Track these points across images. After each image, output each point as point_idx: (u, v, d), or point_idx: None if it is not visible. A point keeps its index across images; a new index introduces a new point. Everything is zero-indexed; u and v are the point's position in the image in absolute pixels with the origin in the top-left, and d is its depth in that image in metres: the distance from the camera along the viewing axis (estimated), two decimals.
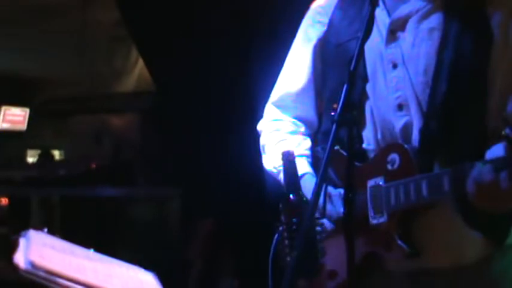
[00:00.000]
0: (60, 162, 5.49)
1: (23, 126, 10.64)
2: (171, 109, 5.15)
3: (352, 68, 1.75)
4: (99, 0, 5.95)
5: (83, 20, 6.14)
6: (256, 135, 2.32)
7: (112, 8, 5.65)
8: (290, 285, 1.58)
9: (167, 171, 5.10)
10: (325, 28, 2.06)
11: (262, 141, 2.18)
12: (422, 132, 1.85)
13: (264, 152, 2.17)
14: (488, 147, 1.79)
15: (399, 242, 1.81)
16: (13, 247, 2.11)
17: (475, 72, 1.86)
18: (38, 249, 1.99)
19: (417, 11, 1.89)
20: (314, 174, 2.02)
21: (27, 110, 10.48)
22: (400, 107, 1.87)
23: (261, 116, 2.29)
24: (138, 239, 4.75)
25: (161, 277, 1.95)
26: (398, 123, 1.87)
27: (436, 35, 1.85)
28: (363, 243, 1.83)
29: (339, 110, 1.72)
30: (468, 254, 1.87)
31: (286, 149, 1.95)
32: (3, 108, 10.46)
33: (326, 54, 2.06)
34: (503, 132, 1.76)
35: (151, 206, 5.16)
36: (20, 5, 6.22)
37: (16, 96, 10.51)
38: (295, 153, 1.94)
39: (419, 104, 1.86)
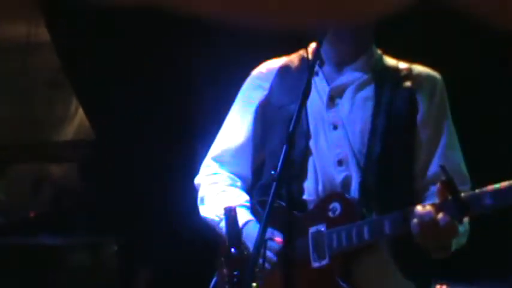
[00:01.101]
0: None
1: None
2: (110, 159, 5.20)
3: (291, 129, 1.94)
4: (41, 45, 5.96)
5: (24, 65, 6.14)
6: (193, 188, 2.44)
7: (53, 55, 5.68)
8: None
9: (105, 219, 5.13)
10: (266, 92, 2.30)
11: (202, 192, 2.36)
12: (362, 185, 2.12)
13: (203, 203, 2.34)
14: (419, 200, 2.13)
15: (341, 282, 2.00)
16: None
17: (403, 137, 2.19)
18: None
19: (353, 82, 2.22)
20: (256, 221, 2.18)
21: None
22: (340, 162, 2.16)
23: (198, 168, 2.44)
24: (77, 286, 4.75)
25: None
26: (339, 176, 2.15)
27: (370, 104, 2.19)
28: (305, 287, 1.99)
29: (279, 168, 1.89)
30: None
31: (227, 204, 2.11)
32: None
33: (267, 115, 2.28)
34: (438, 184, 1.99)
35: (90, 254, 5.16)
36: None
37: None
38: (236, 204, 2.12)
39: (357, 160, 2.15)
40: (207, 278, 2.42)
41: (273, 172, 1.92)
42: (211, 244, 2.39)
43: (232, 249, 2.00)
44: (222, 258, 2.06)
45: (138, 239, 4.87)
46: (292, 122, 1.96)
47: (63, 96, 6.05)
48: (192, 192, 2.96)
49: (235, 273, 1.97)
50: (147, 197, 4.90)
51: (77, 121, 5.85)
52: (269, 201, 1.87)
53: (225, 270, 2.01)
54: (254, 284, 2.00)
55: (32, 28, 5.85)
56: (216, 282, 2.26)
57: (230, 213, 2.01)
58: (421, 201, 2.09)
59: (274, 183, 1.89)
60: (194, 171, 4.15)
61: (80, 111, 5.69)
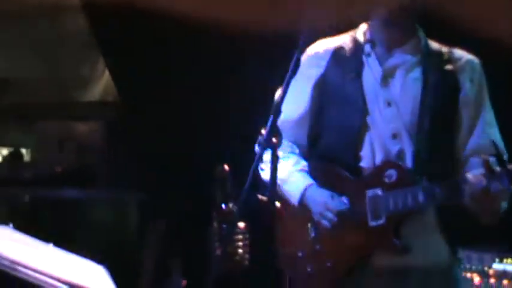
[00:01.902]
0: (26, 164, 5.72)
1: None
2: (133, 120, 5.42)
3: (279, 100, 2.16)
4: (70, 7, 6.14)
5: (53, 26, 6.34)
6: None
7: (82, 16, 5.88)
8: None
9: (126, 176, 5.39)
10: (322, 70, 2.55)
11: (264, 158, 2.59)
12: (415, 156, 2.38)
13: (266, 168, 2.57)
14: (459, 173, 2.39)
15: (395, 239, 2.31)
16: None
17: (448, 115, 2.46)
18: (4, 242, 2.31)
19: (403, 63, 2.47)
20: (316, 184, 2.46)
21: None
22: (394, 136, 2.41)
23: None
24: (97, 238, 5.02)
25: (114, 274, 2.27)
26: (394, 148, 2.41)
27: (419, 84, 2.44)
28: (361, 243, 2.37)
29: (265, 136, 2.13)
30: (439, 258, 2.38)
31: (287, 169, 2.49)
32: None
33: (323, 91, 2.54)
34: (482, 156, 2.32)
35: (111, 208, 5.45)
36: None
37: None
38: (297, 169, 2.46)
39: (409, 135, 2.40)
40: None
41: (260, 138, 2.14)
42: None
43: (223, 205, 2.25)
44: (214, 213, 2.30)
45: (155, 194, 5.10)
46: (281, 94, 2.18)
47: (91, 58, 6.26)
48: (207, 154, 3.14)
49: (223, 226, 2.23)
50: (165, 156, 5.11)
51: (103, 83, 6.08)
52: (254, 163, 2.11)
53: (215, 224, 2.27)
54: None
55: None
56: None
57: (222, 174, 2.26)
58: (462, 170, 2.37)
59: (259, 147, 2.13)
60: (205, 135, 4.38)
61: (106, 73, 5.91)
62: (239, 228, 2.25)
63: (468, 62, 2.52)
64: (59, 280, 2.03)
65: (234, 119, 4.61)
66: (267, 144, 2.11)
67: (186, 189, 4.72)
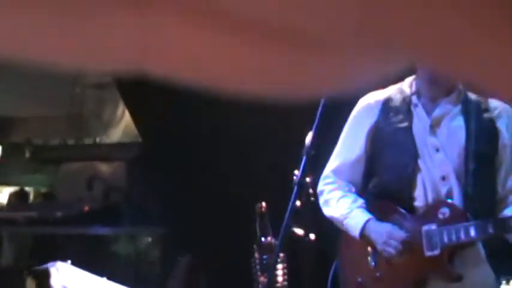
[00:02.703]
0: (56, 204, 5.96)
1: None
2: (154, 159, 5.66)
3: (309, 145, 2.45)
4: None
5: (73, 68, 6.58)
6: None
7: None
8: None
9: (150, 212, 5.62)
10: (375, 119, 2.87)
11: (325, 197, 2.95)
12: (464, 195, 2.67)
13: (328, 205, 2.91)
14: (500, 208, 2.72)
15: (450, 268, 2.63)
16: (46, 275, 2.69)
17: (489, 157, 2.76)
18: (67, 276, 2.57)
19: (448, 113, 2.77)
20: (374, 218, 2.75)
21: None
22: (443, 178, 2.72)
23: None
24: (123, 272, 5.24)
25: None
26: (443, 189, 2.71)
27: (462, 131, 2.75)
28: (418, 271, 2.66)
29: (299, 175, 2.40)
30: (487, 285, 2.67)
31: (347, 206, 2.76)
32: None
33: (377, 137, 2.86)
34: None
35: (135, 244, 5.69)
36: None
37: None
38: (357, 205, 2.78)
39: (456, 176, 2.70)
40: (241, 265, 2.88)
41: (294, 177, 2.42)
42: (245, 231, 2.86)
43: (263, 238, 2.52)
44: (254, 246, 2.57)
45: (179, 230, 5.33)
46: (312, 138, 2.47)
47: (111, 99, 6.51)
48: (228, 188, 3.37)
49: (264, 257, 2.49)
50: (187, 192, 5.34)
51: (123, 124, 6.33)
52: (292, 199, 2.39)
53: (256, 255, 2.53)
54: None
55: None
56: (336, 266, 2.86)
57: (260, 210, 2.52)
58: (501, 206, 2.68)
59: (295, 186, 2.41)
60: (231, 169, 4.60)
61: (127, 114, 6.17)
62: (279, 257, 2.50)
63: (504, 110, 2.81)
64: None
65: (267, 158, 4.78)
66: (301, 183, 2.38)
67: (211, 223, 4.94)
